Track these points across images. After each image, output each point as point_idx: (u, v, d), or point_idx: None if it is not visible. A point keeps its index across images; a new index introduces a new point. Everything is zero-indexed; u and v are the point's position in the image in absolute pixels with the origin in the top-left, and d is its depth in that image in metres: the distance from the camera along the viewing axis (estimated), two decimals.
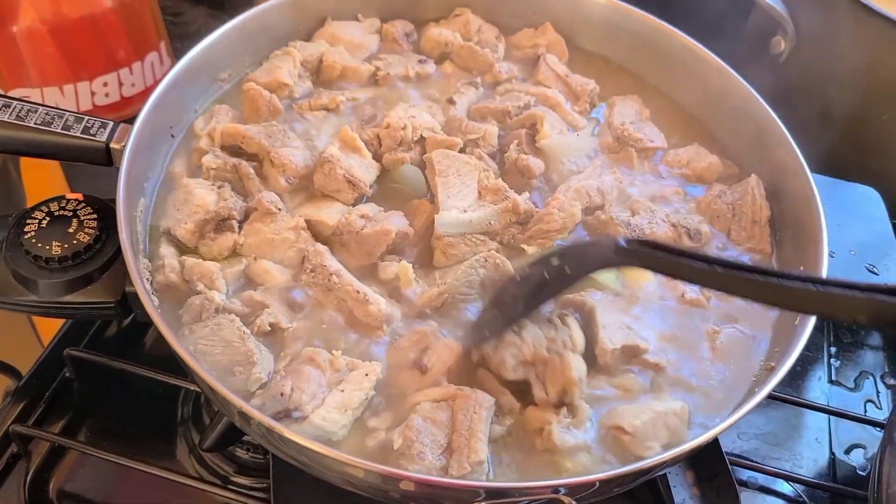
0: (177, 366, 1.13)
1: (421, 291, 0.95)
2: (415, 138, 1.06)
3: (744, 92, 1.15)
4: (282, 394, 0.83)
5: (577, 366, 0.87)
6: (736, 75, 1.16)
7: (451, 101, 1.15)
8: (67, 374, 1.14)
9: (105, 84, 1.64)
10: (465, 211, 0.99)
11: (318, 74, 1.19)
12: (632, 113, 1.18)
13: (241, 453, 1.09)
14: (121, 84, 1.67)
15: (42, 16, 1.56)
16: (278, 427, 0.76)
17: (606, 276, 1.00)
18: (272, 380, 0.86)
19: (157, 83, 1.72)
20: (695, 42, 1.21)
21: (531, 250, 1.00)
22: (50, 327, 1.88)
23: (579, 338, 0.91)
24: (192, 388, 1.10)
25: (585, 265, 0.85)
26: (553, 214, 1.00)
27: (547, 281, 0.86)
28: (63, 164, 1.61)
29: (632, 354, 0.92)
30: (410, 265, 0.96)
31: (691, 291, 1.00)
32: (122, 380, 1.13)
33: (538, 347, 0.88)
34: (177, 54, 1.88)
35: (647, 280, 1.02)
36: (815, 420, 1.20)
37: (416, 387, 0.90)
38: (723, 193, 1.10)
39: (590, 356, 0.91)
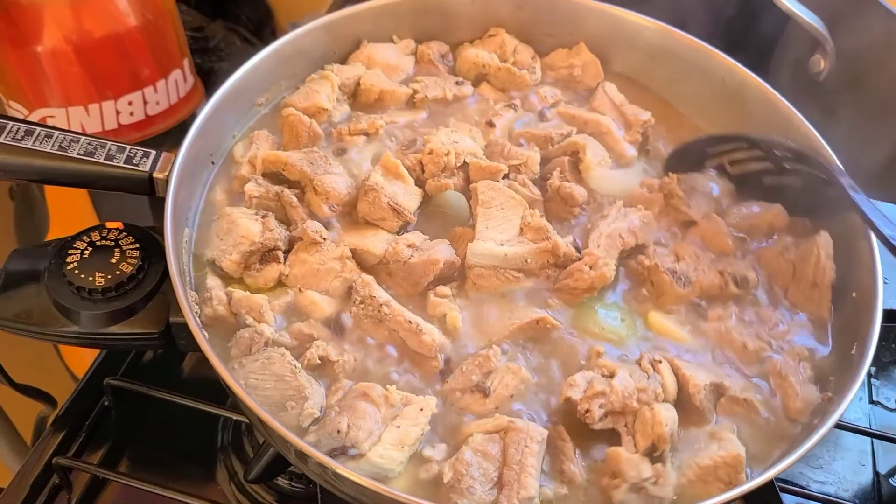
0: (215, 394, 1.13)
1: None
2: (458, 164, 1.05)
3: (811, 139, 1.08)
4: (338, 431, 0.82)
5: (669, 419, 0.85)
6: (804, 120, 1.10)
7: (490, 124, 1.14)
8: (106, 403, 1.13)
9: (130, 103, 1.63)
10: (501, 244, 0.98)
11: (356, 98, 1.18)
12: (701, 184, 1.11)
13: (282, 482, 1.08)
14: (145, 102, 1.66)
15: (67, 35, 1.55)
16: (342, 469, 0.75)
17: (615, 324, 0.98)
18: (327, 415, 0.85)
19: (182, 103, 1.72)
20: (754, 76, 1.17)
21: (555, 304, 0.97)
22: (76, 352, 1.88)
23: (672, 385, 0.89)
24: (233, 416, 1.08)
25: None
26: (583, 272, 0.96)
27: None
28: None
29: (719, 393, 0.91)
30: (459, 315, 0.94)
31: (751, 341, 0.96)
32: (159, 407, 1.12)
33: (628, 398, 0.86)
34: (198, 69, 1.87)
35: (670, 328, 0.99)
36: (858, 441, 1.19)
37: (477, 410, 0.89)
38: (786, 250, 1.04)
39: (679, 402, 0.90)
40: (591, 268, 0.96)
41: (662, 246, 1.04)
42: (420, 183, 1.05)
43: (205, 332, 0.88)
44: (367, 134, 1.10)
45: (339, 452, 0.82)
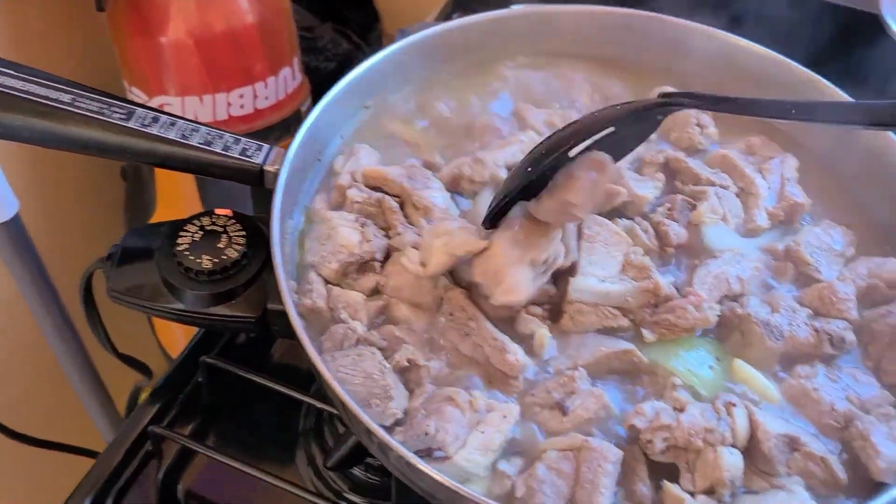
0: (301, 380, 1.17)
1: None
2: None
3: None
4: (426, 433, 0.84)
5: (732, 465, 0.83)
6: None
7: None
8: (200, 380, 1.19)
9: (241, 96, 1.71)
10: (603, 280, 0.96)
11: None
12: (823, 240, 1.05)
13: (357, 472, 1.12)
14: (255, 97, 1.74)
15: (190, 29, 1.64)
16: (422, 465, 0.78)
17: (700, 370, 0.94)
18: (413, 417, 0.87)
19: (288, 99, 1.79)
20: None
21: (650, 337, 0.95)
22: (168, 329, 1.97)
23: (743, 431, 0.86)
24: (317, 403, 1.12)
25: (630, 112, 0.87)
26: (686, 310, 0.93)
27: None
28: None
29: (793, 447, 0.87)
30: (548, 335, 0.95)
31: (840, 403, 0.90)
32: (247, 388, 1.17)
33: (693, 436, 0.84)
34: (305, 67, 1.94)
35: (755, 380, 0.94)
36: None
37: (553, 427, 0.90)
38: (889, 314, 0.95)
39: (748, 448, 0.87)
40: (695, 308, 0.93)
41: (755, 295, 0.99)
42: None
43: (301, 322, 0.91)
44: None
45: (425, 454, 0.85)
